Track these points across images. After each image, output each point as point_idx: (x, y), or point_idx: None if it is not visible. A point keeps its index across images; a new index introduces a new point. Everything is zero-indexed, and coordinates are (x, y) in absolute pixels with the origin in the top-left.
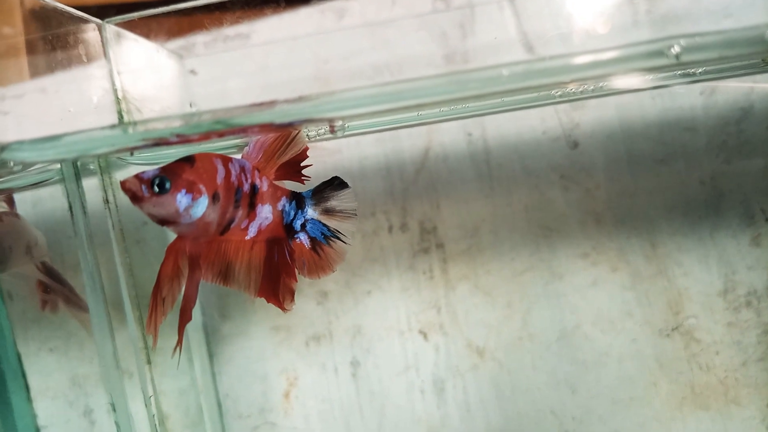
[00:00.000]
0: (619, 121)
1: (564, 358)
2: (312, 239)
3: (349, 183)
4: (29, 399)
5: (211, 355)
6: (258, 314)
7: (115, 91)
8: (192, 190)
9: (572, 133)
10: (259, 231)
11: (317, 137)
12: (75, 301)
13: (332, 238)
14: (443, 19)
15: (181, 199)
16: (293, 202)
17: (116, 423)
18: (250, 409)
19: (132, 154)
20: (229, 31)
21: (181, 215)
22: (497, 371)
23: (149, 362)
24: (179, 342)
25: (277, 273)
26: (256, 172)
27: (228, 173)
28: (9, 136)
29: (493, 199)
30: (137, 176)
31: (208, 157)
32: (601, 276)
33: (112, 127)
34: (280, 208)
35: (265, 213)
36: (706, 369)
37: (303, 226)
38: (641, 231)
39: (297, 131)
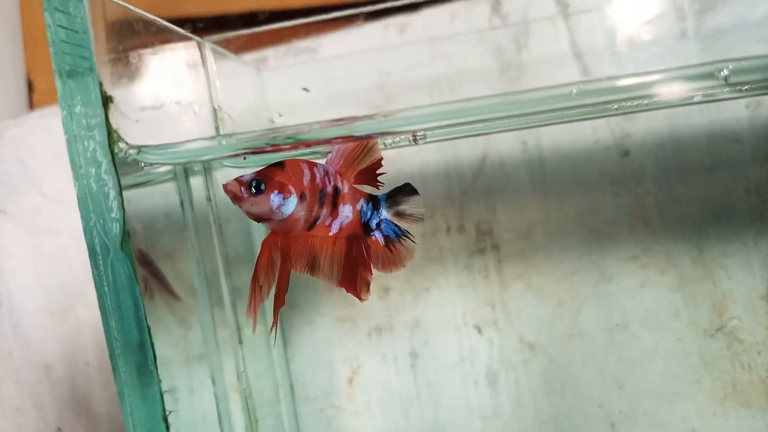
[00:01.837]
0: (669, 132)
1: (612, 355)
2: (386, 237)
3: None
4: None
5: (285, 341)
6: (325, 306)
7: (212, 102)
8: (283, 190)
9: (623, 142)
10: (341, 228)
11: (399, 142)
12: (167, 288)
13: (403, 237)
14: (499, 34)
15: (274, 198)
16: (370, 204)
17: (215, 395)
18: (316, 392)
19: (245, 158)
20: (299, 45)
21: (274, 213)
22: (548, 365)
23: (241, 342)
24: (275, 323)
25: (355, 266)
26: (338, 176)
27: (313, 176)
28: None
29: (546, 204)
30: (237, 180)
31: (296, 162)
32: (649, 278)
33: (212, 138)
34: (358, 208)
35: (346, 212)
36: (748, 368)
37: (378, 225)
38: (688, 236)
39: (374, 142)
